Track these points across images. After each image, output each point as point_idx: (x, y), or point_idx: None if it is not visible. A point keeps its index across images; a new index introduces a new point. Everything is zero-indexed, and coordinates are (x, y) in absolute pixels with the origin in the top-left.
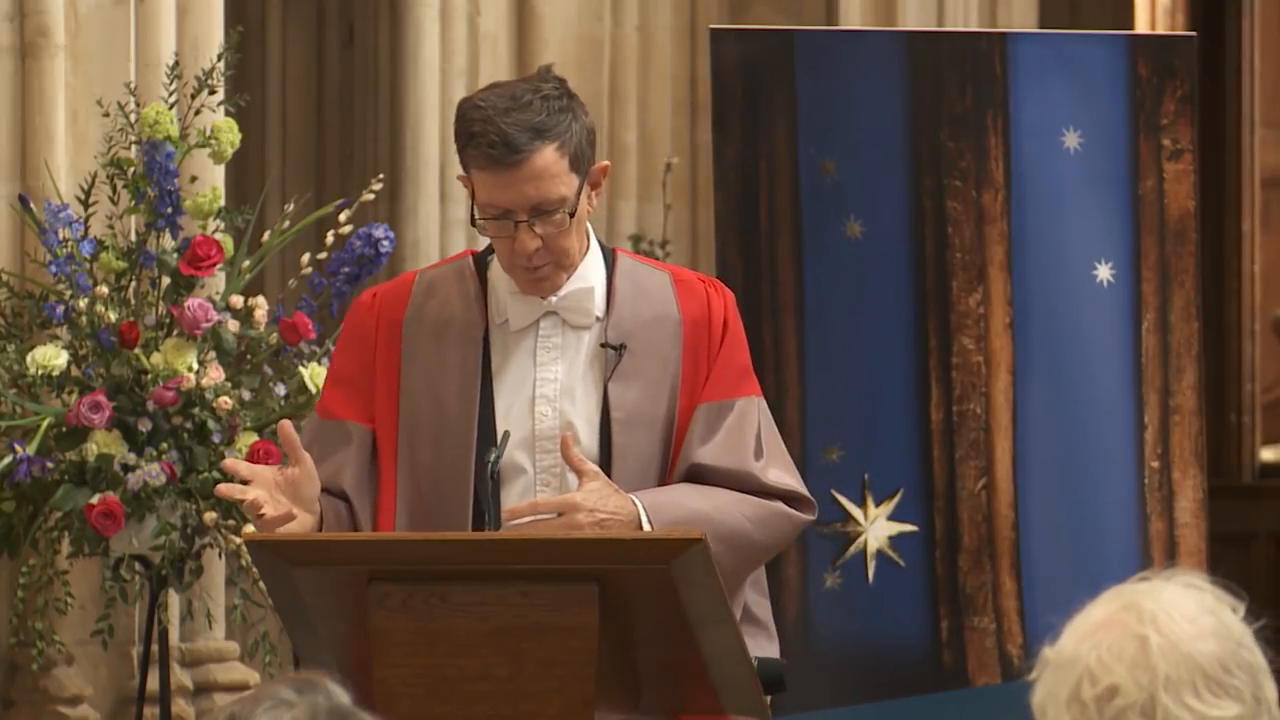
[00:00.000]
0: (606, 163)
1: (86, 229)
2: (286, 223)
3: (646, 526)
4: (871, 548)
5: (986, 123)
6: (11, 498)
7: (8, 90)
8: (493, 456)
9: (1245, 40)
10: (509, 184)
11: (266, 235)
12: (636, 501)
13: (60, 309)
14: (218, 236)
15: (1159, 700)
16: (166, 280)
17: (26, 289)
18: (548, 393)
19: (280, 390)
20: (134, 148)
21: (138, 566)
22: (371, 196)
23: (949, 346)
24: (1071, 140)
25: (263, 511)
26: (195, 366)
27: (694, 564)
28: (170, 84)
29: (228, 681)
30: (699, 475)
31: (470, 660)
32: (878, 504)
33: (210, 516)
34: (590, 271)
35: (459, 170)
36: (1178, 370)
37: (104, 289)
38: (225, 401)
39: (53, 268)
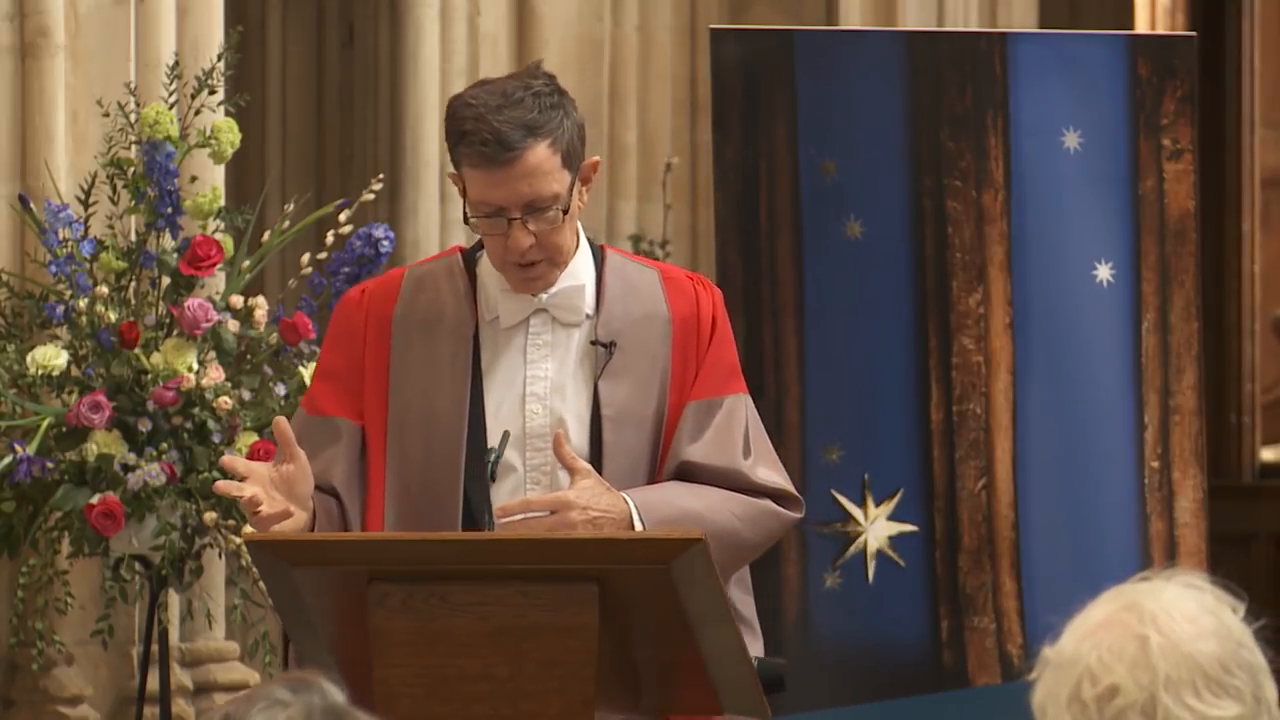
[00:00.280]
0: (597, 158)
1: (86, 229)
2: (286, 223)
3: (639, 525)
4: (871, 548)
5: (986, 123)
6: (11, 498)
7: (8, 90)
8: (492, 457)
9: (1245, 40)
10: (502, 181)
11: (266, 235)
12: (628, 500)
13: (60, 309)
14: (218, 236)
15: (1159, 700)
16: (166, 280)
17: (26, 289)
18: (538, 390)
19: (280, 390)
20: (134, 148)
21: (138, 566)
22: (371, 196)
23: (949, 346)
24: (1071, 140)
25: (259, 509)
26: (195, 366)
27: (694, 564)
28: (170, 84)
29: (228, 681)
30: (688, 473)
31: (470, 660)
32: (878, 504)
33: (210, 516)
34: (580, 269)
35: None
36: (1178, 370)
37: (104, 289)
38: (225, 401)
39: (53, 268)
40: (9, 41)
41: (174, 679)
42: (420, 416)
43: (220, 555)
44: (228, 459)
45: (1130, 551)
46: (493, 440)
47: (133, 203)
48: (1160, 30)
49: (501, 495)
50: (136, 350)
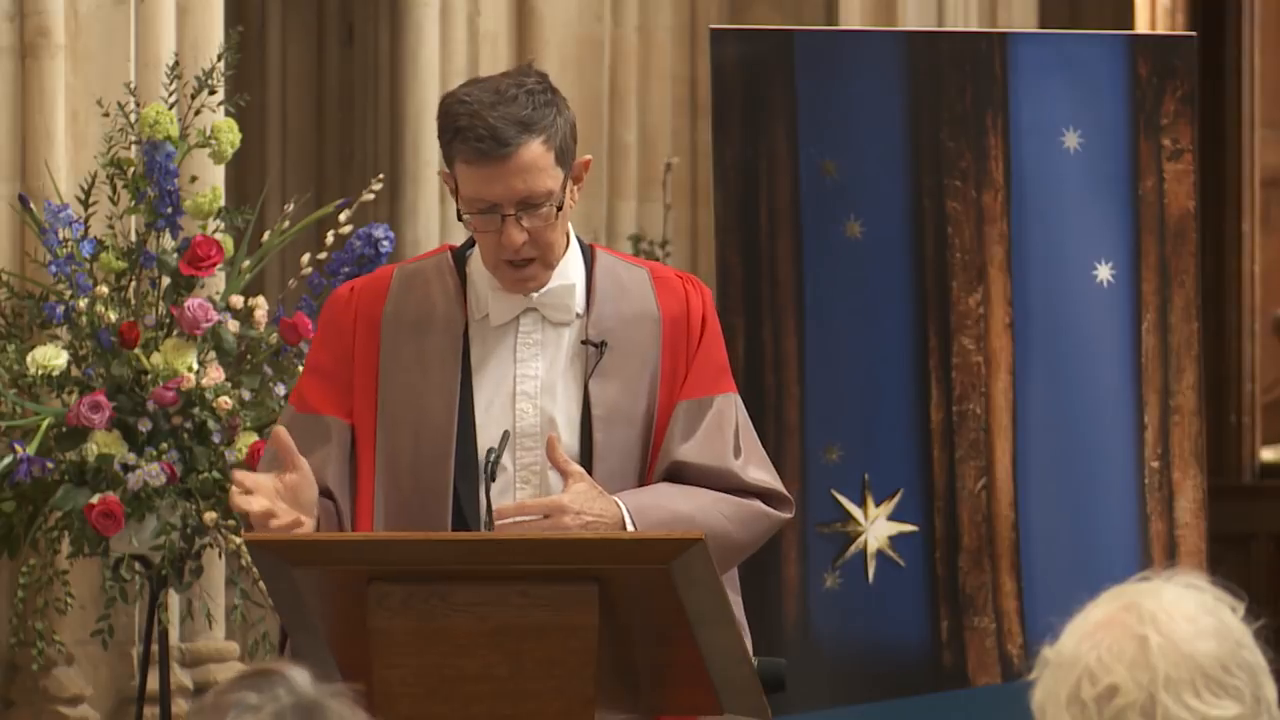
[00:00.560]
0: (589, 157)
1: (86, 229)
2: (286, 223)
3: (630, 528)
4: (871, 548)
5: (986, 123)
6: (11, 498)
7: (8, 90)
8: (492, 457)
9: (1245, 40)
10: (497, 177)
11: (266, 235)
12: (620, 504)
13: (60, 309)
14: (218, 236)
15: (1159, 700)
16: (166, 280)
17: (26, 289)
18: (528, 389)
19: (280, 390)
20: (134, 148)
21: (138, 566)
22: (371, 196)
23: (949, 346)
24: (1071, 140)
25: (271, 522)
26: (195, 366)
27: (694, 564)
28: (170, 84)
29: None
30: (679, 472)
31: (470, 660)
32: (878, 504)
33: (210, 516)
34: (570, 268)
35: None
36: (1178, 370)
37: (104, 289)
38: (225, 401)
39: (53, 268)
40: (9, 41)
41: (174, 679)
42: (410, 415)
43: (220, 555)
44: (238, 474)
45: (1130, 551)
46: (484, 439)
47: (133, 203)
48: (1160, 30)
49: (493, 494)
50: (136, 350)
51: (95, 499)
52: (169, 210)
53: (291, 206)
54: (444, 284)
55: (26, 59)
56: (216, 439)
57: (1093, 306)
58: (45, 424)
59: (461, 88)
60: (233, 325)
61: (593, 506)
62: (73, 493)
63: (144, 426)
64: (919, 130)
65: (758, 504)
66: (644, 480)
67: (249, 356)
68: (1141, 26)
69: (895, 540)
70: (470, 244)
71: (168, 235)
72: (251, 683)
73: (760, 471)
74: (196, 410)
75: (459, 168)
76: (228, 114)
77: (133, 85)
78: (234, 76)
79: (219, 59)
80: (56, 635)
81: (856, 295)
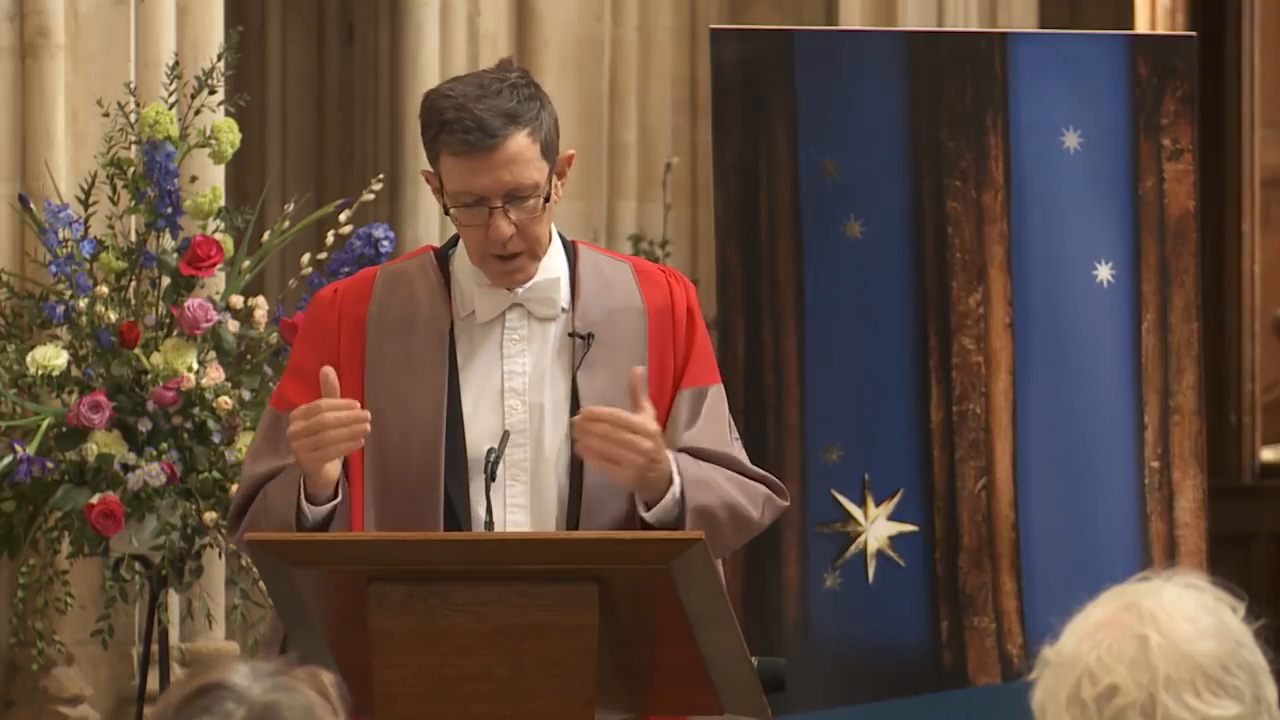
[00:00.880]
0: (572, 152)
1: (86, 229)
2: (286, 223)
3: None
4: (871, 548)
5: (986, 123)
6: (11, 498)
7: (8, 90)
8: (492, 457)
9: (1245, 40)
10: (484, 169)
11: (266, 235)
12: (675, 473)
13: (60, 309)
14: (218, 236)
15: (1159, 700)
16: (166, 280)
17: (26, 289)
18: (516, 385)
19: None
20: (134, 148)
21: (138, 566)
22: (371, 196)
23: (949, 346)
24: (1071, 140)
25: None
26: (195, 366)
27: (694, 564)
28: (170, 84)
29: None
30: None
31: (470, 660)
32: (878, 504)
33: (210, 516)
34: (554, 263)
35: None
36: (1178, 370)
37: (104, 289)
38: (225, 401)
39: (53, 268)
40: (9, 41)
41: (174, 679)
42: (398, 415)
43: (220, 555)
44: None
45: (1130, 551)
46: (472, 436)
47: (133, 203)
48: (1160, 30)
49: (479, 490)
50: (136, 350)
51: (95, 499)
52: (169, 210)
53: (291, 206)
54: (428, 283)
55: (26, 59)
56: (216, 439)
57: (1093, 306)
58: (45, 424)
59: (444, 84)
60: (233, 325)
61: (661, 459)
62: (73, 493)
63: (144, 426)
64: (919, 130)
65: (766, 490)
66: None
67: (249, 356)
68: (1141, 26)
69: (895, 540)
70: (452, 243)
71: (168, 235)
72: (198, 705)
73: (748, 464)
74: (196, 410)
75: (445, 162)
76: (228, 114)
77: (133, 85)
78: (234, 76)
79: (219, 59)
80: (56, 635)
81: (856, 295)
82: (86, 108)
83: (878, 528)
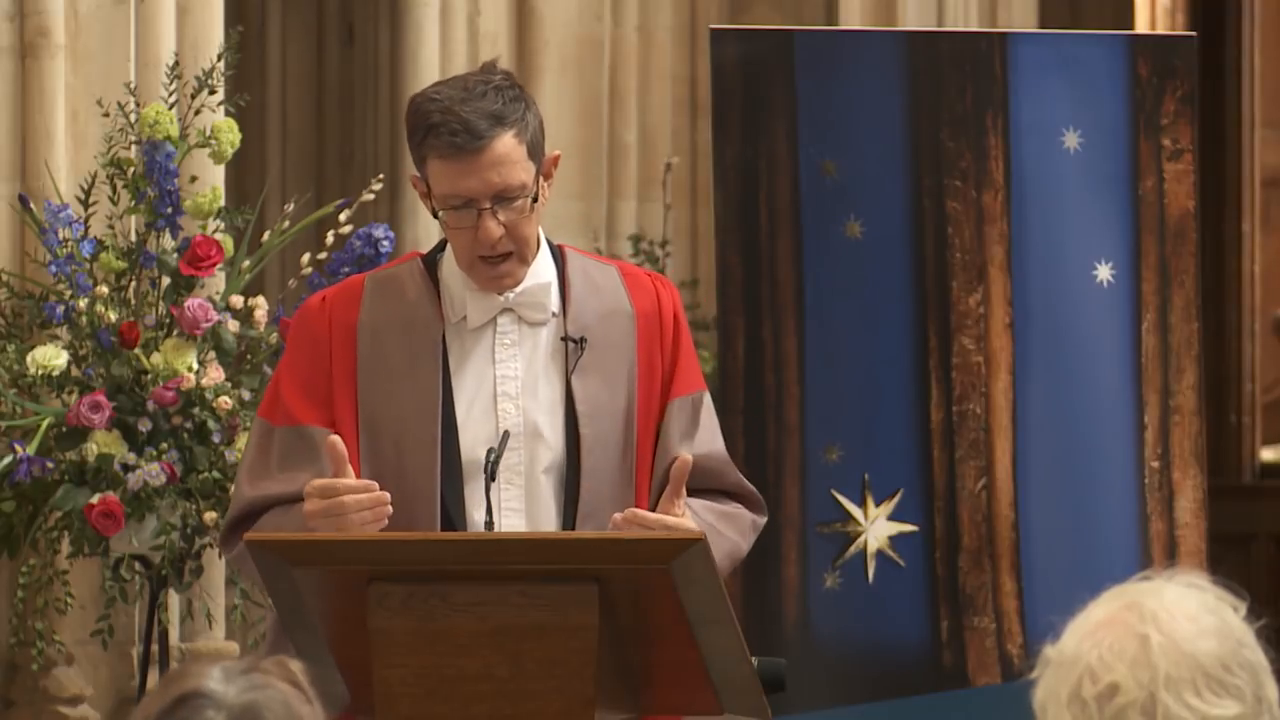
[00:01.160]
0: (558, 153)
1: (86, 229)
2: (286, 223)
3: None
4: (871, 548)
5: (986, 123)
6: (11, 498)
7: (8, 90)
8: (492, 457)
9: (1245, 40)
10: (472, 171)
11: (266, 235)
12: None
13: (60, 309)
14: (218, 236)
15: (1159, 699)
16: (166, 280)
17: (26, 289)
18: (509, 390)
19: None
20: (134, 148)
21: (138, 566)
22: (371, 196)
23: (949, 346)
24: (1071, 140)
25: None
26: (195, 366)
27: (694, 564)
28: (170, 84)
29: None
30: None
31: (470, 660)
32: (878, 504)
33: (210, 516)
34: (543, 268)
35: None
36: (1178, 370)
37: (104, 289)
38: (225, 401)
39: (53, 268)
40: (9, 41)
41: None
42: (391, 421)
43: (220, 555)
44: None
45: (1130, 551)
46: (466, 441)
47: (133, 203)
48: (1160, 30)
49: (475, 494)
50: (136, 350)
51: (95, 499)
52: (169, 210)
53: (291, 206)
54: (418, 289)
55: (26, 59)
56: (216, 439)
57: (1093, 306)
58: (45, 424)
59: (429, 88)
60: (233, 325)
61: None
62: (73, 493)
63: (144, 426)
64: (919, 130)
65: (747, 514)
66: (630, 474)
67: (249, 356)
68: (1141, 26)
69: (895, 540)
70: (439, 249)
71: (168, 235)
72: (178, 716)
73: (738, 471)
74: (196, 410)
75: (432, 165)
76: (228, 114)
77: (133, 85)
78: (234, 76)
79: (219, 59)
80: (56, 635)
81: (856, 295)
82: (86, 108)
83: (878, 528)
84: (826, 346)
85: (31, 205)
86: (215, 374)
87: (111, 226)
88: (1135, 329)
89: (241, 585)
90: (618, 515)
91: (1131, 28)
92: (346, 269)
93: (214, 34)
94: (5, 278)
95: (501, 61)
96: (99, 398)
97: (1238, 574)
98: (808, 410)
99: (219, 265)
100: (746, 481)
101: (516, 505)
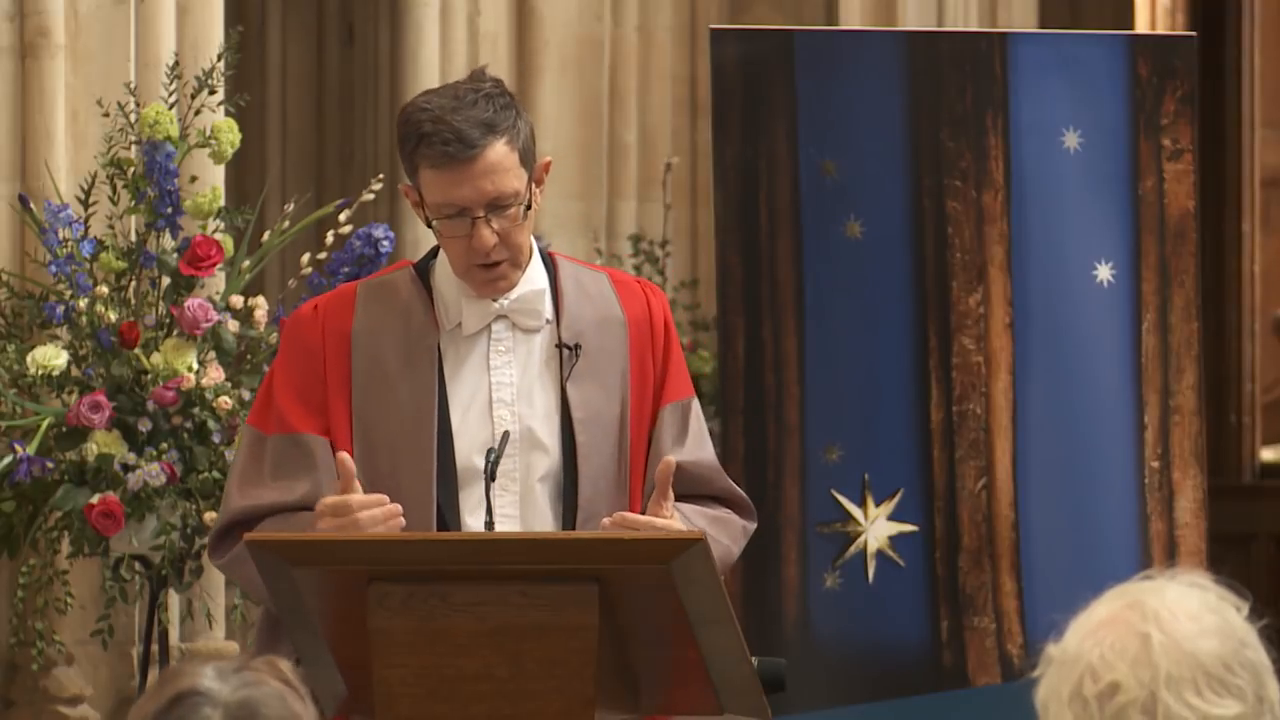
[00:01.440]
0: (549, 159)
1: (86, 229)
2: (286, 223)
3: None
4: (871, 548)
5: (986, 123)
6: (11, 498)
7: (8, 90)
8: (492, 458)
9: (1245, 40)
10: (464, 180)
11: (266, 235)
12: None
13: (60, 309)
14: (218, 236)
15: (1160, 698)
16: (166, 280)
17: (26, 289)
18: (504, 396)
19: None
20: (134, 148)
21: (138, 566)
22: (371, 196)
23: (949, 346)
24: (1071, 140)
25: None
26: (195, 366)
27: (694, 564)
28: (170, 84)
29: None
30: (676, 473)
31: (470, 660)
32: (878, 504)
33: (210, 516)
34: (536, 275)
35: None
36: (1178, 370)
37: (104, 289)
38: (225, 401)
39: (53, 268)
40: (9, 41)
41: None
42: (386, 428)
43: (209, 560)
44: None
45: (1130, 551)
46: (461, 447)
47: (133, 203)
48: (1160, 30)
49: (471, 500)
50: (136, 350)
51: (95, 499)
52: (169, 210)
53: (291, 206)
54: (411, 296)
55: (26, 59)
56: (216, 439)
57: (1093, 306)
58: (45, 424)
59: (419, 97)
60: (233, 325)
61: None
62: (73, 493)
63: (144, 426)
64: (919, 130)
65: (738, 519)
66: (625, 480)
67: (249, 356)
68: (1141, 26)
69: (895, 540)
70: (431, 256)
71: (168, 235)
72: (174, 715)
73: (727, 477)
74: (196, 410)
75: (425, 175)
76: (228, 114)
77: (133, 85)
78: (234, 76)
79: (219, 59)
80: (56, 635)
81: (856, 295)
82: (86, 108)
83: (878, 528)
84: (826, 346)
85: (31, 205)
86: (215, 374)
87: (111, 226)
88: (1135, 329)
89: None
90: (606, 520)
91: (1131, 28)
92: (346, 269)
93: (214, 34)
94: (5, 278)
95: (501, 62)
96: (99, 398)
97: (1238, 574)
98: (808, 410)
99: (219, 265)
100: (736, 487)
101: (512, 511)
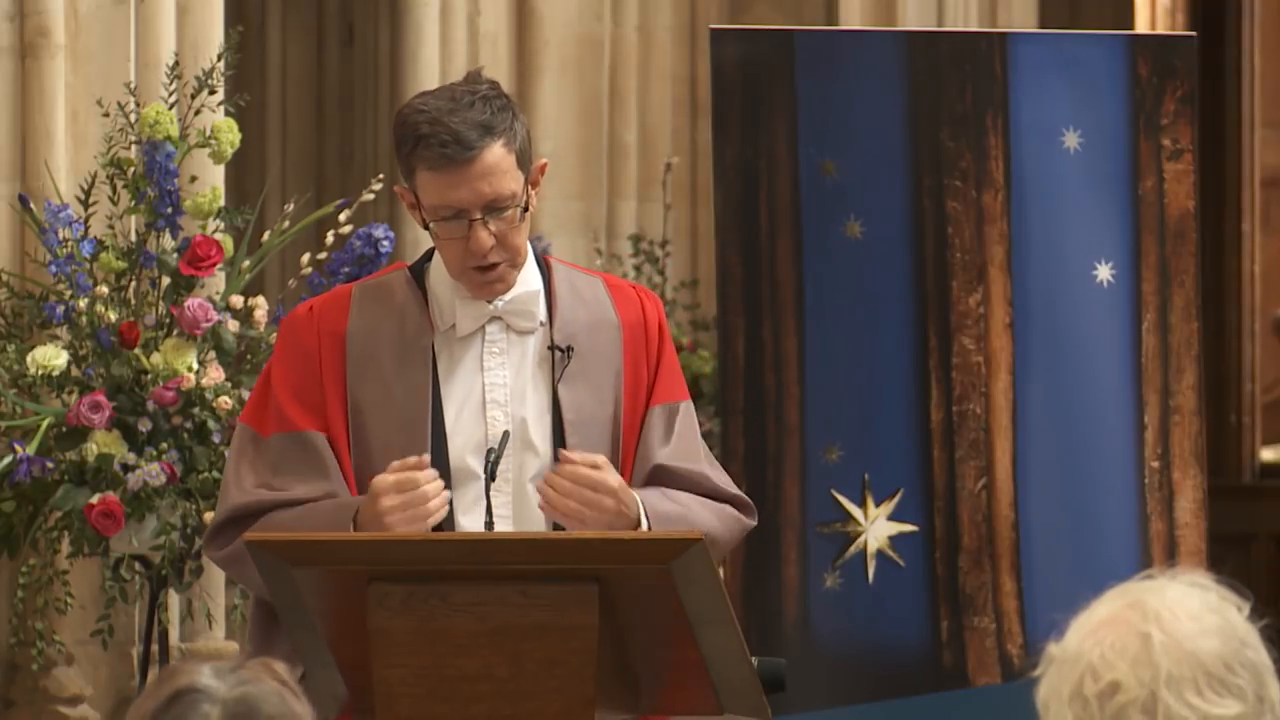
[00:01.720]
0: (545, 160)
1: (86, 229)
2: (286, 223)
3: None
4: (871, 548)
5: (986, 123)
6: (11, 498)
7: (8, 90)
8: (492, 457)
9: (1245, 40)
10: (462, 181)
11: (266, 235)
12: (640, 506)
13: (60, 309)
14: (218, 236)
15: (1160, 697)
16: (166, 280)
17: (26, 289)
18: (498, 397)
19: None
20: (134, 148)
21: (138, 566)
22: (371, 196)
23: (949, 346)
24: (1071, 140)
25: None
26: (195, 366)
27: (694, 564)
28: (170, 84)
29: None
30: (660, 476)
31: (470, 660)
32: (878, 504)
33: (210, 516)
34: (531, 277)
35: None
36: (1178, 370)
37: (104, 289)
38: (225, 401)
39: (53, 268)
40: (9, 41)
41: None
42: (381, 429)
43: (206, 555)
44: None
45: (1130, 551)
46: (455, 448)
47: (133, 203)
48: (1160, 30)
49: (465, 501)
50: (136, 350)
51: (95, 499)
52: (169, 210)
53: (291, 206)
54: (406, 297)
55: (26, 59)
56: (216, 439)
57: (1093, 306)
58: (45, 424)
59: (416, 99)
60: (233, 325)
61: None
62: (73, 493)
63: (144, 426)
64: (919, 130)
65: (734, 511)
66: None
67: (249, 356)
68: (1141, 26)
69: (895, 540)
70: (426, 258)
71: (168, 235)
72: (173, 713)
73: (723, 477)
74: (196, 410)
75: (421, 177)
76: (228, 114)
77: (133, 85)
78: (234, 76)
79: (219, 59)
80: (56, 635)
81: (856, 295)
82: (86, 108)
83: (878, 528)
84: (826, 346)
85: (31, 205)
86: (215, 374)
87: (111, 226)
88: (1135, 329)
89: (241, 585)
90: (538, 483)
91: (1131, 28)
92: (346, 269)
93: (214, 34)
94: (5, 278)
95: (501, 62)
96: (99, 398)
97: (1238, 574)
98: (808, 410)
99: (219, 265)
100: (732, 487)
101: (505, 512)
